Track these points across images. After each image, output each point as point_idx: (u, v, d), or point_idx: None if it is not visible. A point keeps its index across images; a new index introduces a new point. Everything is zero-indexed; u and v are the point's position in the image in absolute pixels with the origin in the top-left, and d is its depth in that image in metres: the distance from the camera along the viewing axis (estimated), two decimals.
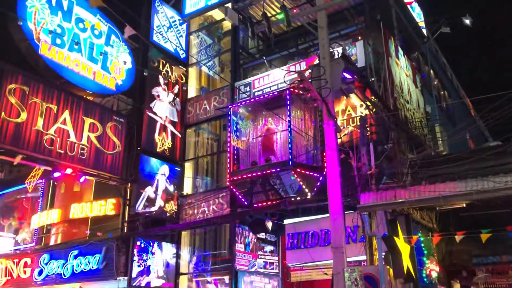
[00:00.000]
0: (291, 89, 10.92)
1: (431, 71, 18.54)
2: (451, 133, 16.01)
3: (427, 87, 16.90)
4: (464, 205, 10.75)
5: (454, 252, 11.39)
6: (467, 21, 16.77)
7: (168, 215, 14.41)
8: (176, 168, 15.12)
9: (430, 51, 18.83)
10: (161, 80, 15.37)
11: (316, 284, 13.42)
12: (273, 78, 14.12)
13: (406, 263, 9.02)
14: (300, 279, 13.36)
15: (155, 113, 14.88)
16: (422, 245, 10.08)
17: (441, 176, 9.63)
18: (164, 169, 14.72)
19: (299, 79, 8.88)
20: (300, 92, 10.29)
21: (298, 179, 11.00)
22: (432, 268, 10.26)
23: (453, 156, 12.17)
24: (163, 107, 15.23)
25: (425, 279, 9.89)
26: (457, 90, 22.80)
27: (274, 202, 11.53)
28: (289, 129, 11.05)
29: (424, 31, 17.66)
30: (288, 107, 11.17)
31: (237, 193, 11.95)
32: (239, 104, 12.60)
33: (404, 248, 9.10)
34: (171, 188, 14.71)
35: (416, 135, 12.71)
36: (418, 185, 8.91)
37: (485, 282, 12.45)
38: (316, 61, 10.67)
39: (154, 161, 14.48)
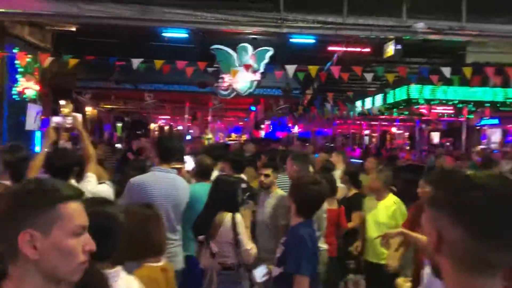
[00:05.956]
0: None
1: None
2: None
3: None
4: (74, 29, 10.77)
5: (60, 74, 11.52)
6: None
7: None
8: None
9: None
10: None
11: None
12: None
13: None
14: None
15: None
16: (17, 62, 9.65)
17: None
18: None
19: None
20: None
21: None
22: (28, 87, 10.12)
23: None
24: None
25: (15, 96, 9.74)
26: None
27: None
28: None
29: None
30: None
31: None
32: None
33: None
34: None
35: None
36: None
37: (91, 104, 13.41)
38: None
39: None
